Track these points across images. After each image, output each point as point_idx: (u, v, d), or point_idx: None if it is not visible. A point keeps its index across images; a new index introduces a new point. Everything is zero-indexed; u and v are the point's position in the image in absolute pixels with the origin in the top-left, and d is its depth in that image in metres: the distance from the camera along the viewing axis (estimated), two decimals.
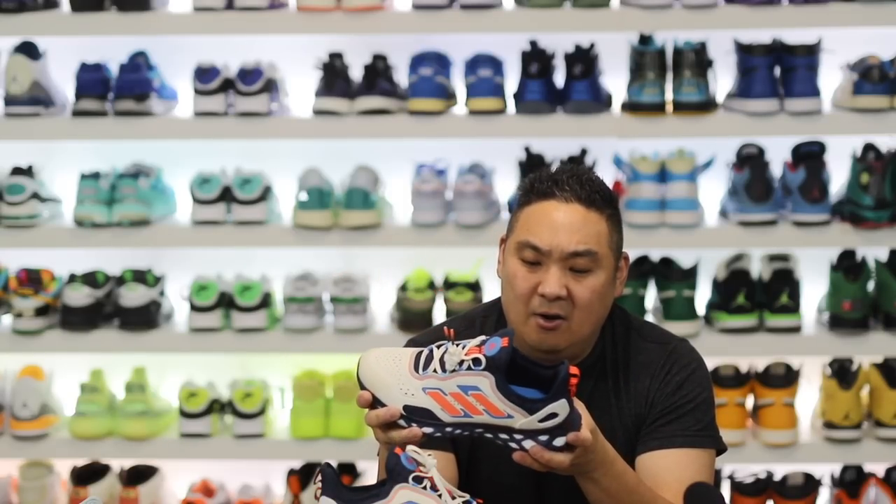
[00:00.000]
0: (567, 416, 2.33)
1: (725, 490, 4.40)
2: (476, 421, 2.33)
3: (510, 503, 2.68)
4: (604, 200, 2.61)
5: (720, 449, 2.70)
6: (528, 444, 2.34)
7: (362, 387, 2.38)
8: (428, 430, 2.34)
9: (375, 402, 2.37)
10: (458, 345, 2.34)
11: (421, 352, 2.38)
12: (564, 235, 2.58)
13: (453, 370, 2.33)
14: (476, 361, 2.32)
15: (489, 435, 2.36)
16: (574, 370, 2.34)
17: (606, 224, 2.61)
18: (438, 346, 2.37)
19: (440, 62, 4.46)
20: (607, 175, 3.98)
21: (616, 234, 2.64)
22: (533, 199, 2.63)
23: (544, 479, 2.65)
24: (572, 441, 2.33)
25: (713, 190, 4.55)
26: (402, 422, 2.35)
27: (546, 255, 2.58)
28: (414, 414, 2.34)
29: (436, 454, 2.57)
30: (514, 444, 2.35)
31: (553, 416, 2.32)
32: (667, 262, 4.47)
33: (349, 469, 4.52)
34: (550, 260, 2.58)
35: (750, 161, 4.42)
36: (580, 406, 2.38)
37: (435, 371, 2.35)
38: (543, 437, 2.33)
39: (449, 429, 2.35)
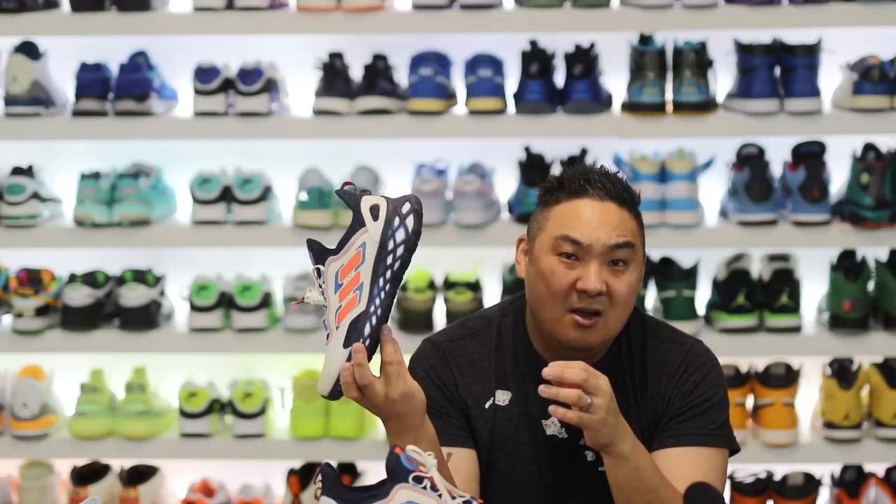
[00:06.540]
0: None
1: (725, 490, 4.39)
2: None
3: (528, 503, 2.69)
4: (632, 200, 2.65)
5: (734, 449, 2.72)
6: None
7: (335, 388, 2.42)
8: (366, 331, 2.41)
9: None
10: None
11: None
12: (604, 230, 2.59)
13: None
14: None
15: None
16: None
17: (636, 222, 2.65)
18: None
19: (440, 62, 4.46)
20: None
21: (643, 233, 2.68)
22: (563, 198, 2.63)
23: (562, 479, 2.65)
24: None
25: (713, 190, 4.55)
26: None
27: (586, 249, 2.59)
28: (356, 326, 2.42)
29: (456, 451, 2.59)
30: None
31: None
32: (667, 262, 4.47)
33: (349, 469, 4.52)
34: (590, 255, 2.59)
35: (750, 161, 4.42)
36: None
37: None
38: None
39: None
